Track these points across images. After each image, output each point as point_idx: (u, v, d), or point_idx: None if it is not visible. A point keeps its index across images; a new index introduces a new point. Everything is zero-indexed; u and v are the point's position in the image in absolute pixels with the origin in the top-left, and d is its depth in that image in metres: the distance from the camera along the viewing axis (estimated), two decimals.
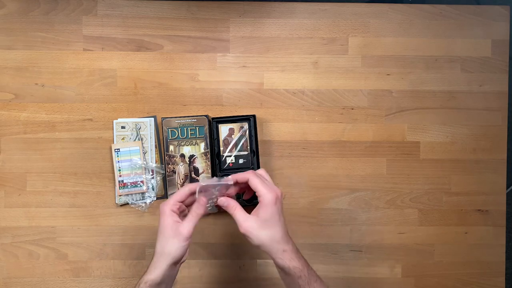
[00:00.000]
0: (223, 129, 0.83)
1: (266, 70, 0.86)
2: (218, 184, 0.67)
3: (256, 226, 0.63)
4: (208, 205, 0.68)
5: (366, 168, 0.86)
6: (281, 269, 0.65)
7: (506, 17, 0.86)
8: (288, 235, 0.66)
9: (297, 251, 0.66)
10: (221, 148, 0.83)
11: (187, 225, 0.65)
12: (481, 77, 0.86)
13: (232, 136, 0.83)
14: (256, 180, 0.65)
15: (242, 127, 0.83)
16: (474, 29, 0.86)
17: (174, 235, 0.64)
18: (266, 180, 0.66)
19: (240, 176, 0.66)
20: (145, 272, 0.66)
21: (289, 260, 0.64)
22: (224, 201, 0.66)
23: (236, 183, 0.67)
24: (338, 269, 0.85)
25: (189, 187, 0.66)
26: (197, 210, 0.66)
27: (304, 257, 0.67)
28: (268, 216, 0.63)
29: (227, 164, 0.83)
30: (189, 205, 0.68)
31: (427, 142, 0.86)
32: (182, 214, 0.68)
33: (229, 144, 0.83)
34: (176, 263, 0.66)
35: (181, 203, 0.67)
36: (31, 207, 0.84)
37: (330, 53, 0.86)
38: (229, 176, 0.67)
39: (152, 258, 0.66)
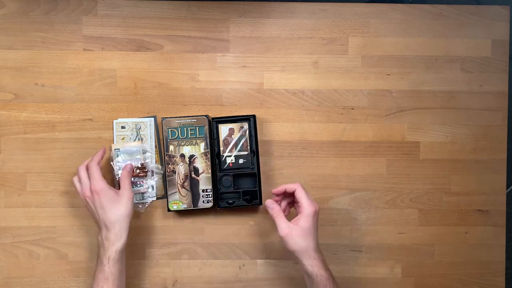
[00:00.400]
0: (223, 129, 0.83)
1: (266, 70, 0.86)
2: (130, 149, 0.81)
3: (295, 234, 0.71)
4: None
5: (366, 168, 0.86)
6: (309, 276, 0.71)
7: (506, 17, 0.86)
8: (319, 247, 0.73)
9: (326, 263, 0.73)
10: (221, 148, 0.83)
11: (127, 187, 0.75)
12: (481, 77, 0.86)
13: (232, 136, 0.83)
14: (303, 192, 0.73)
15: (242, 127, 0.83)
16: (474, 29, 0.86)
17: (122, 199, 0.74)
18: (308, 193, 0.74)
19: (289, 186, 0.75)
20: (107, 247, 0.73)
21: (317, 268, 0.71)
22: (270, 204, 0.75)
23: (284, 193, 0.76)
24: (338, 269, 0.85)
25: (96, 161, 0.76)
26: (126, 174, 0.77)
27: None
28: (307, 226, 0.71)
29: (227, 164, 0.83)
30: None
31: (427, 142, 0.86)
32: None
33: (229, 144, 0.83)
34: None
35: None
36: (31, 207, 0.84)
37: (330, 53, 0.86)
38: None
39: (108, 231, 0.73)
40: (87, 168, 0.76)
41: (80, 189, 0.75)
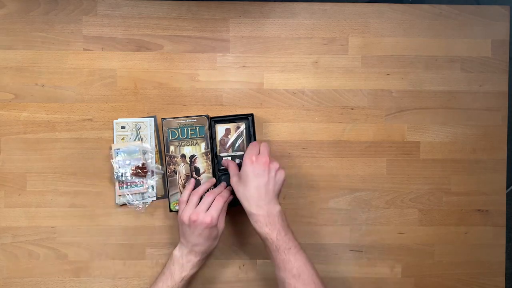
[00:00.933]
0: (220, 129, 0.82)
1: (266, 70, 0.86)
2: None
3: (235, 181, 0.75)
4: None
5: (366, 168, 0.86)
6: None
7: (506, 17, 0.86)
8: (271, 205, 0.72)
9: (272, 219, 0.72)
10: (218, 148, 0.83)
11: (222, 221, 0.77)
12: (481, 77, 0.86)
13: (229, 136, 0.83)
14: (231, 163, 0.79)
15: (238, 127, 0.82)
16: (474, 29, 0.86)
17: (219, 235, 0.77)
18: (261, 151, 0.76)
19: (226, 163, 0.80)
20: (186, 267, 0.75)
21: (255, 221, 0.72)
22: (224, 163, 0.80)
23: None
24: (338, 269, 0.85)
25: (226, 194, 0.78)
26: (225, 209, 0.77)
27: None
28: (242, 174, 0.74)
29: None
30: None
31: (427, 142, 0.86)
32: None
33: (225, 144, 0.83)
34: None
35: None
36: (31, 207, 0.84)
37: (330, 53, 0.86)
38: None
39: (194, 256, 0.76)
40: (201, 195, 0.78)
41: (190, 210, 0.75)
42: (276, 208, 0.73)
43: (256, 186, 0.72)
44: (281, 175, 0.74)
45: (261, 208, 0.72)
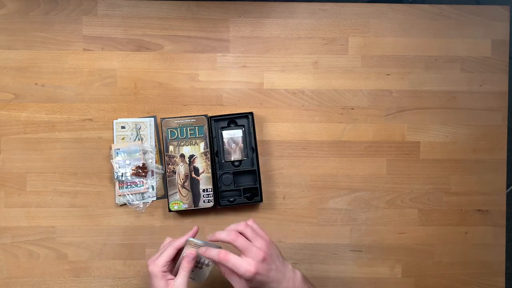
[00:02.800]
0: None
1: (266, 70, 0.86)
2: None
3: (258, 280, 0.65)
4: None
5: (366, 168, 0.86)
6: None
7: (506, 17, 0.86)
8: (284, 268, 0.67)
9: (295, 280, 0.67)
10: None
11: (181, 281, 0.67)
12: (481, 77, 0.86)
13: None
14: (234, 260, 0.64)
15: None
16: (474, 29, 0.86)
17: None
18: (254, 232, 0.67)
19: (223, 237, 0.67)
20: None
21: None
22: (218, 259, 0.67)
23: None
24: (338, 269, 0.85)
25: (175, 245, 0.69)
26: (187, 265, 0.68)
27: (304, 266, 0.68)
28: (257, 284, 0.65)
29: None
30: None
31: (427, 142, 0.86)
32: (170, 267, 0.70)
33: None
34: None
35: (169, 261, 0.69)
36: (31, 207, 0.84)
37: (330, 53, 0.86)
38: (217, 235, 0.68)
39: None
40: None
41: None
42: (297, 273, 0.68)
43: (274, 269, 0.66)
44: (268, 240, 0.68)
45: (280, 282, 0.66)
